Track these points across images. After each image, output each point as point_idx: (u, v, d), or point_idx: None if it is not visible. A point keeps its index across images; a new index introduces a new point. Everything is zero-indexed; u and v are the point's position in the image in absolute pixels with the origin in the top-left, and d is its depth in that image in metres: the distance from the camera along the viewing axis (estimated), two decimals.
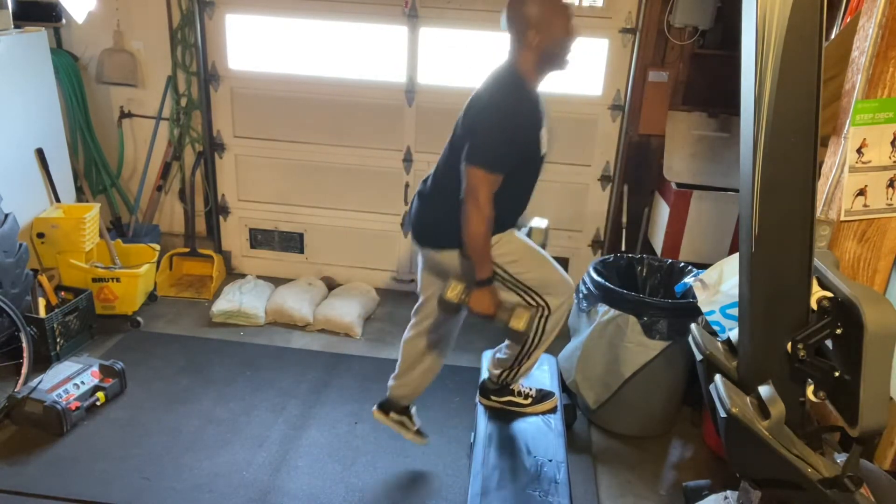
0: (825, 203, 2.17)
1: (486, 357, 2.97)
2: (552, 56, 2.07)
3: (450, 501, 2.53)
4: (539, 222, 2.54)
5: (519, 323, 2.15)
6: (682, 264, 3.06)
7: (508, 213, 2.23)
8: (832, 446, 1.77)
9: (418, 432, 2.66)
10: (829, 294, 1.56)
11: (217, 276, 4.05)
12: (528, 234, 2.46)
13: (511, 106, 2.06)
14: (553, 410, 2.64)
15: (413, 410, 2.67)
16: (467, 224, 2.05)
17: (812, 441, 1.66)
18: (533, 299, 2.30)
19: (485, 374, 2.67)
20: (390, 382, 2.61)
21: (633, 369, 2.75)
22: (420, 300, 2.52)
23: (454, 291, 2.16)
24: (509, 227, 2.27)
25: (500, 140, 2.03)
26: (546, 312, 2.31)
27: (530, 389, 2.63)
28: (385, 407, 2.63)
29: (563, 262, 4.09)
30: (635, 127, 3.73)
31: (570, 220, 3.99)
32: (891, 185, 2.12)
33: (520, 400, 2.59)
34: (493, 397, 2.60)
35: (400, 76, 3.77)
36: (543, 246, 2.46)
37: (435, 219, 2.24)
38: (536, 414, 2.61)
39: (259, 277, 4.09)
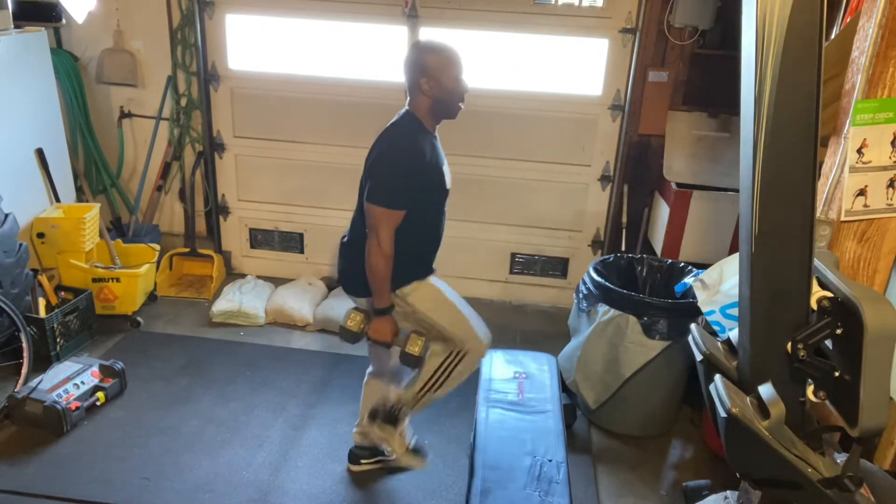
0: (825, 203, 2.17)
1: (486, 357, 2.96)
2: (443, 103, 2.20)
3: (450, 501, 2.53)
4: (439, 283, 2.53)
5: (414, 348, 2.25)
6: (682, 264, 3.06)
7: (422, 255, 2.32)
8: (832, 446, 1.77)
9: (414, 451, 2.64)
10: (829, 294, 1.56)
11: (217, 276, 4.05)
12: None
13: (406, 144, 2.18)
14: (421, 468, 2.60)
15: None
16: (368, 256, 2.15)
17: (812, 441, 1.66)
18: (450, 343, 2.33)
19: (351, 444, 2.65)
20: (354, 432, 2.62)
21: (633, 369, 2.75)
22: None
23: (354, 321, 2.27)
24: (426, 273, 2.35)
25: (397, 176, 2.14)
26: (460, 354, 2.34)
27: (411, 438, 2.62)
28: (354, 458, 2.64)
29: (564, 261, 4.09)
30: (635, 127, 3.73)
31: (570, 220, 3.99)
32: (891, 185, 2.12)
33: (387, 458, 2.60)
34: (362, 462, 2.61)
35: (400, 76, 3.75)
36: None
37: (352, 267, 2.29)
38: (403, 465, 2.58)
39: (259, 277, 4.09)
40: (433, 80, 2.15)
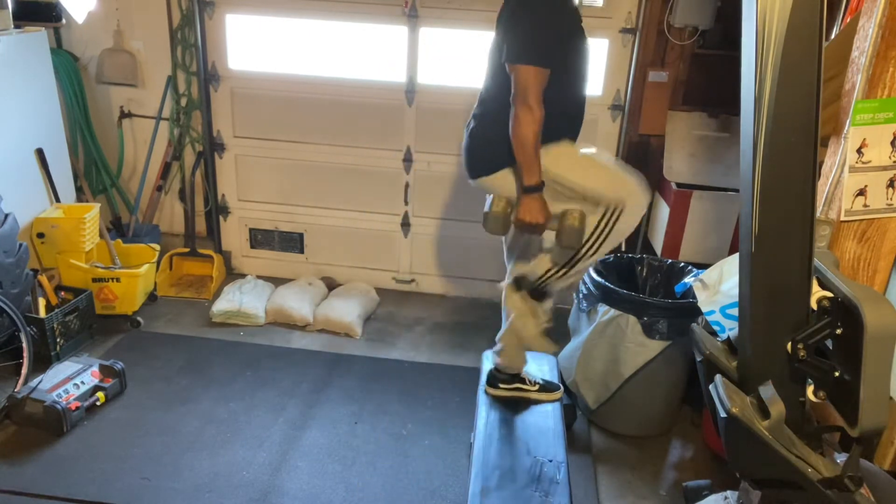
0: (825, 203, 2.17)
1: (487, 356, 2.96)
2: None
3: (450, 501, 2.54)
4: (587, 150, 2.30)
5: (574, 221, 2.02)
6: (682, 264, 3.06)
7: (561, 116, 2.11)
8: (832, 446, 1.77)
9: (543, 387, 2.58)
10: (829, 294, 1.56)
11: (217, 276, 4.05)
12: None
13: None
14: (560, 400, 2.62)
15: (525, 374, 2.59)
16: (516, 125, 1.96)
17: (812, 441, 1.66)
18: (602, 202, 2.16)
19: (488, 367, 2.65)
20: (495, 351, 2.54)
21: (633, 369, 2.75)
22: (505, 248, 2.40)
23: (499, 204, 2.06)
24: (567, 136, 2.15)
25: (540, 31, 1.96)
26: (616, 211, 2.14)
27: (538, 378, 2.62)
28: (492, 381, 2.58)
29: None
30: (635, 127, 3.73)
31: None
32: (891, 185, 2.12)
33: (527, 386, 2.55)
34: (501, 385, 2.55)
35: (400, 76, 3.77)
36: None
37: (483, 145, 2.13)
38: (542, 402, 2.59)
39: (259, 277, 4.09)
40: None
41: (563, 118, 2.13)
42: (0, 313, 2.86)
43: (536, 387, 2.60)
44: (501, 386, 2.60)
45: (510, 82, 2.02)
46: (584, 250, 2.21)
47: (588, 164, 2.17)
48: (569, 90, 2.11)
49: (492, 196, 2.13)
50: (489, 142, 2.13)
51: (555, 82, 2.00)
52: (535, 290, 2.25)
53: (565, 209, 2.08)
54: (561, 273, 2.31)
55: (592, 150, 2.25)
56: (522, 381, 2.59)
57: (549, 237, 2.21)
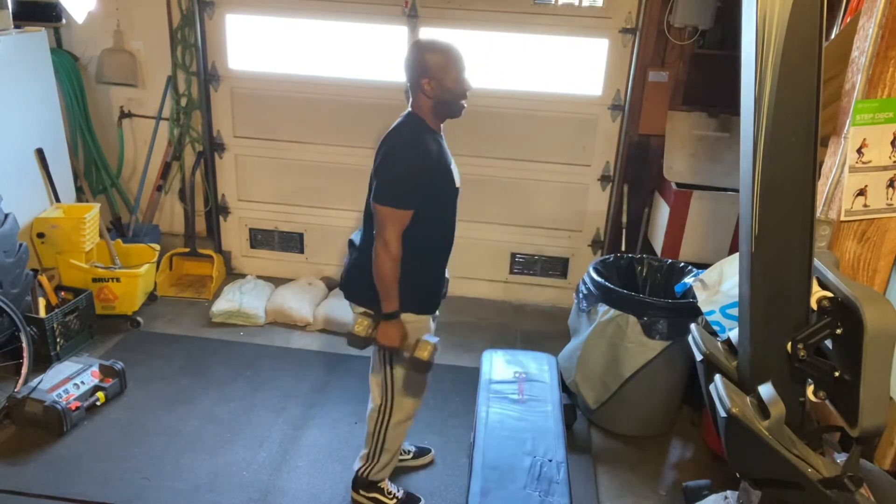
0: (825, 203, 2.17)
1: (486, 357, 2.97)
2: (446, 103, 2.17)
3: (450, 501, 2.54)
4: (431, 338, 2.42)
5: (423, 353, 2.19)
6: (682, 264, 3.06)
7: (437, 248, 2.27)
8: (832, 446, 1.77)
9: (416, 454, 2.69)
10: (829, 294, 1.56)
11: (217, 276, 4.05)
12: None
13: (410, 143, 2.15)
14: None
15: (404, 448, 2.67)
16: (376, 259, 2.11)
17: (812, 441, 1.66)
18: (387, 392, 2.33)
19: (356, 465, 2.59)
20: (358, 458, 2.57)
21: (633, 369, 2.75)
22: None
23: (361, 326, 2.22)
24: (432, 310, 2.30)
25: (403, 175, 2.11)
26: (387, 417, 2.36)
27: (398, 490, 2.57)
28: (355, 484, 2.58)
29: (564, 261, 4.09)
30: (635, 127, 3.73)
31: (570, 220, 3.99)
32: (891, 185, 2.12)
33: (384, 499, 2.56)
34: (361, 492, 2.56)
35: (400, 76, 3.75)
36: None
37: (361, 277, 2.24)
38: None
39: (259, 277, 4.09)
40: (434, 80, 2.12)
41: (435, 244, 2.26)
42: (0, 313, 2.86)
43: (394, 500, 2.52)
44: (361, 492, 2.55)
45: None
46: (375, 446, 2.43)
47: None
48: (435, 229, 2.24)
49: (355, 316, 2.27)
50: (360, 276, 2.24)
51: (420, 223, 2.13)
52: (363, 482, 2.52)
53: (420, 339, 2.22)
54: (372, 466, 2.48)
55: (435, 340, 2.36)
56: (381, 491, 2.54)
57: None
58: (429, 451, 2.74)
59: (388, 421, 2.38)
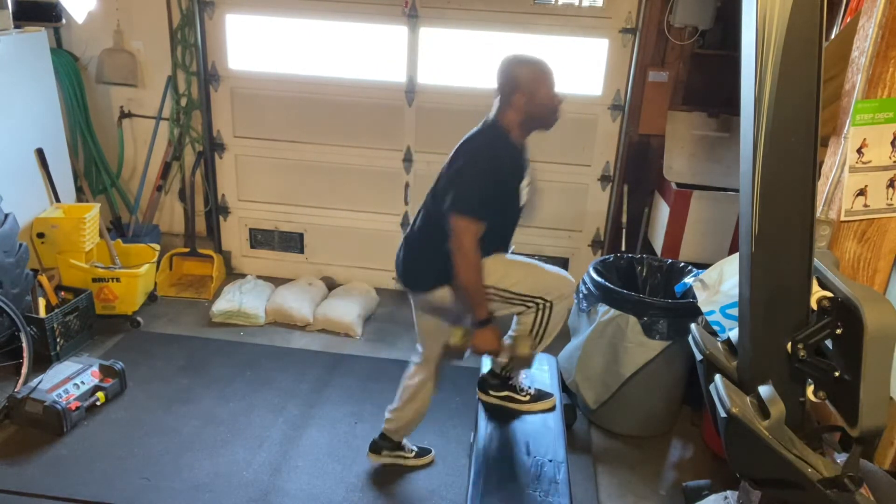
0: (825, 203, 2.17)
1: (486, 357, 2.96)
2: (535, 118, 2.19)
3: (450, 501, 2.54)
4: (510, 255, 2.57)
5: (525, 349, 2.23)
6: (682, 264, 3.06)
7: (491, 242, 2.27)
8: (832, 446, 1.77)
9: (418, 454, 2.69)
10: (829, 294, 1.56)
11: (217, 276, 4.05)
12: None
13: (493, 157, 2.16)
14: (550, 410, 2.63)
15: (405, 442, 2.68)
16: (458, 272, 2.12)
17: (812, 441, 1.66)
18: (533, 302, 2.32)
19: (484, 370, 2.66)
20: (387, 415, 2.60)
21: (633, 369, 2.75)
22: (420, 349, 2.52)
23: (456, 337, 2.24)
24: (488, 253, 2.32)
25: (482, 189, 2.11)
26: (548, 309, 2.34)
27: (529, 387, 2.63)
28: (376, 448, 2.65)
29: (563, 262, 4.09)
30: (635, 127, 3.73)
31: (570, 220, 3.99)
32: (891, 185, 2.12)
33: (518, 396, 2.59)
34: (491, 392, 2.60)
35: (400, 76, 3.77)
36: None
37: (422, 263, 2.30)
38: (533, 412, 2.60)
39: (259, 277, 4.09)
40: (527, 94, 2.13)
41: (491, 244, 2.27)
42: (0, 313, 2.86)
43: (528, 397, 2.60)
44: (492, 392, 2.62)
45: (444, 216, 2.16)
46: (535, 334, 2.41)
47: (519, 268, 2.34)
48: (497, 229, 2.26)
49: (450, 329, 2.27)
50: (425, 264, 2.28)
51: (491, 220, 2.16)
52: (385, 443, 2.61)
53: (515, 338, 2.28)
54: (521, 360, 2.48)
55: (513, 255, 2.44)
56: (513, 388, 2.60)
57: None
58: (429, 451, 2.75)
59: (550, 309, 2.34)
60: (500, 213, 2.22)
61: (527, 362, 2.29)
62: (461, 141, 2.25)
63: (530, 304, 2.33)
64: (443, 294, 2.28)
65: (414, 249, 2.34)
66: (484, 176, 2.13)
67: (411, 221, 2.41)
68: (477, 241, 2.12)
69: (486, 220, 2.12)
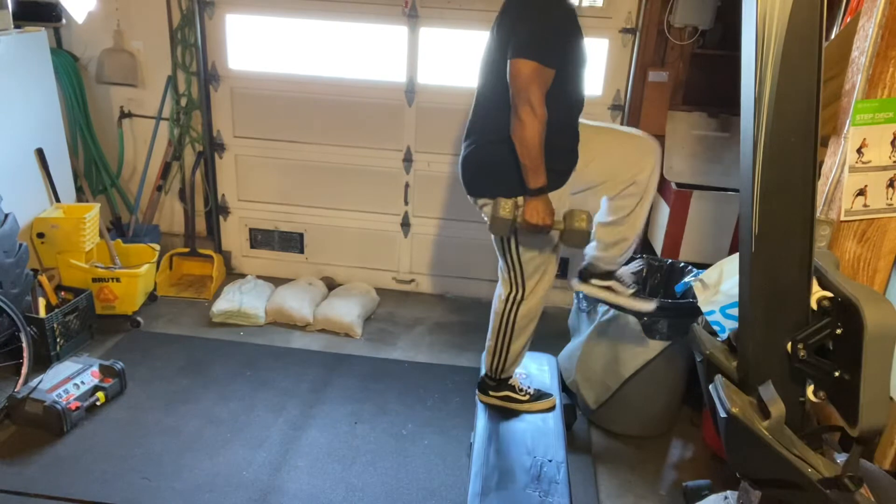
0: (825, 203, 2.17)
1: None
2: None
3: (450, 501, 2.53)
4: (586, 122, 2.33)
5: (582, 223, 2.04)
6: (682, 264, 3.06)
7: (567, 128, 2.10)
8: (832, 446, 1.77)
9: (535, 397, 2.58)
10: (829, 294, 1.56)
11: (217, 276, 4.05)
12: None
13: (553, 2, 2.01)
14: (549, 410, 2.63)
15: (516, 380, 2.56)
16: (519, 127, 1.94)
17: (812, 441, 1.66)
18: (517, 279, 2.26)
19: (483, 370, 2.66)
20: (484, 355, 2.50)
21: (633, 369, 2.75)
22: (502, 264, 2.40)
23: (505, 208, 2.04)
24: (567, 175, 2.14)
25: (547, 29, 1.94)
26: (520, 296, 2.28)
27: (528, 387, 2.62)
28: (584, 275, 2.47)
29: (563, 262, 4.09)
30: (635, 127, 3.72)
31: None
32: (891, 185, 2.12)
33: (517, 396, 2.58)
34: (491, 393, 2.59)
35: (400, 76, 3.77)
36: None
37: (489, 167, 2.11)
38: (533, 412, 2.60)
39: (259, 277, 4.09)
40: None
41: (566, 120, 2.12)
42: (0, 313, 2.86)
43: (527, 397, 2.59)
44: (491, 393, 2.61)
45: (509, 94, 1.98)
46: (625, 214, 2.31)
47: (599, 146, 2.18)
48: (569, 91, 2.09)
49: (496, 200, 2.11)
50: (496, 164, 2.10)
51: (557, 84, 1.99)
52: (596, 273, 2.39)
53: (571, 210, 2.08)
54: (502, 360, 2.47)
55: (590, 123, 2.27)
56: (512, 388, 2.58)
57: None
58: (550, 394, 2.62)
59: (516, 310, 2.28)
60: (572, 60, 2.03)
61: (582, 239, 2.07)
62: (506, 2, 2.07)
63: (512, 281, 2.26)
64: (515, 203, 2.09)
65: (475, 148, 2.11)
66: (546, 16, 1.96)
67: (470, 119, 2.19)
68: (545, 93, 1.92)
69: (555, 66, 1.94)
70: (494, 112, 2.04)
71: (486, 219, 2.16)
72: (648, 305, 2.48)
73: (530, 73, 1.91)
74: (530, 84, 1.91)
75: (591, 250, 2.48)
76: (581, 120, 2.24)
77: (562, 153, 2.12)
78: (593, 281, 2.45)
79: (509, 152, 2.03)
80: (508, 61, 1.95)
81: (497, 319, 2.37)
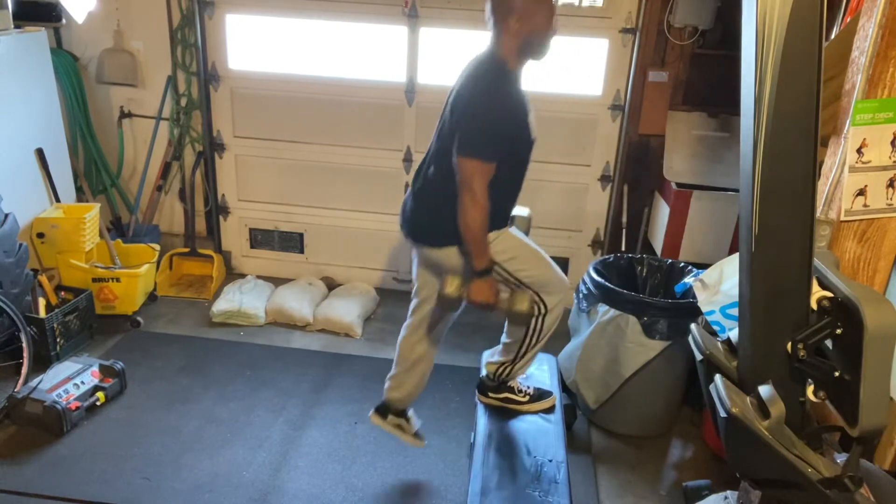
0: (825, 203, 2.17)
1: (486, 356, 2.96)
2: (532, 45, 2.10)
3: (450, 501, 2.53)
4: (521, 210, 2.53)
5: (523, 305, 2.15)
6: (682, 264, 3.06)
7: (502, 206, 2.22)
8: (832, 446, 1.77)
9: (416, 435, 2.66)
10: (829, 294, 1.56)
11: (217, 276, 4.05)
12: (512, 222, 2.43)
13: (498, 92, 2.07)
14: (550, 410, 2.63)
15: (410, 412, 2.67)
16: (464, 215, 2.05)
17: (812, 441, 1.66)
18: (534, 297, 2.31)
19: (483, 372, 2.67)
20: (387, 384, 2.60)
21: (633, 369, 2.75)
22: (416, 300, 2.51)
23: (453, 286, 2.16)
24: (504, 224, 2.27)
25: (491, 128, 2.03)
26: (543, 311, 2.33)
27: (528, 387, 2.63)
28: (382, 410, 2.62)
29: (563, 262, 4.09)
30: (635, 127, 3.73)
31: (570, 220, 3.99)
32: (891, 185, 2.12)
33: (517, 397, 2.59)
34: (490, 394, 2.60)
35: (400, 76, 3.77)
36: (527, 233, 2.44)
37: (430, 215, 2.22)
38: (533, 412, 2.60)
39: (259, 277, 4.09)
40: (523, 18, 2.03)
41: (503, 208, 2.23)
42: (0, 313, 2.86)
43: (527, 397, 2.60)
44: (491, 395, 2.62)
45: (453, 163, 2.09)
46: (524, 344, 2.41)
47: (531, 254, 2.30)
48: (508, 180, 2.19)
49: (444, 276, 2.21)
50: (434, 217, 2.19)
51: (497, 177, 2.08)
52: (391, 409, 2.56)
53: (515, 292, 2.20)
54: (511, 368, 2.52)
55: (526, 211, 2.43)
56: (512, 390, 2.59)
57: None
58: (550, 394, 2.66)
59: (545, 316, 2.32)
60: (512, 154, 2.12)
61: (524, 319, 2.20)
62: (461, 78, 2.15)
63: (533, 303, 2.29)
64: (450, 254, 2.20)
65: (421, 201, 2.21)
66: (491, 115, 2.04)
67: (418, 171, 2.29)
68: (487, 183, 2.02)
69: (497, 161, 2.03)
70: (442, 177, 2.14)
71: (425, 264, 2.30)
72: (547, 404, 2.63)
73: (472, 169, 2.02)
74: (472, 178, 2.02)
75: (486, 364, 2.62)
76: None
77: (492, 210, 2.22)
78: (490, 394, 2.60)
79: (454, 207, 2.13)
80: (455, 154, 2.06)
81: (524, 333, 2.40)
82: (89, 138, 4.02)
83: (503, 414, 2.63)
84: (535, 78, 3.69)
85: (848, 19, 2.21)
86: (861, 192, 2.11)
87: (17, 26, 3.42)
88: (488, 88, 2.08)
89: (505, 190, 2.20)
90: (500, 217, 2.22)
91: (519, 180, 2.27)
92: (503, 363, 2.53)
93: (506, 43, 2.09)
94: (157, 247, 3.87)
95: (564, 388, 2.96)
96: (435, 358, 2.59)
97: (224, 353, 3.41)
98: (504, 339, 2.48)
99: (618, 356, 2.76)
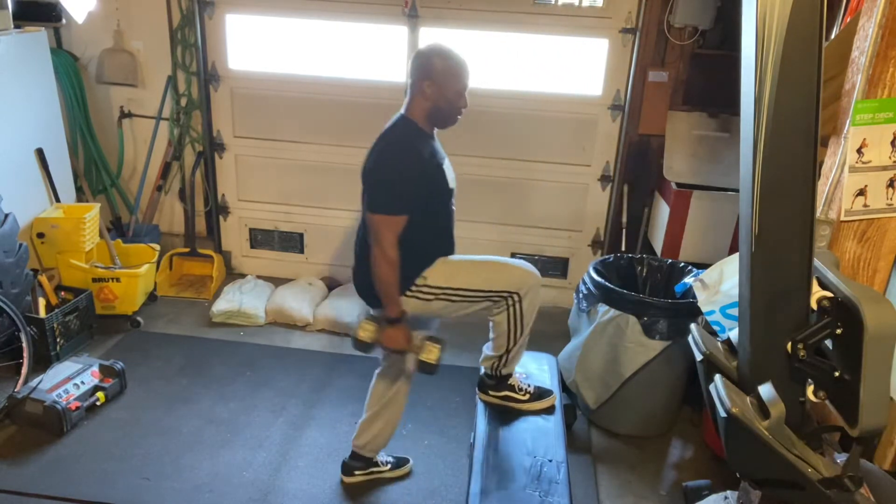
0: (825, 203, 2.17)
1: (484, 351, 2.96)
2: (441, 112, 2.17)
3: (450, 501, 2.53)
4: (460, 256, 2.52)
5: (431, 356, 2.23)
6: (682, 264, 3.06)
7: (427, 251, 2.27)
8: (832, 446, 1.77)
9: (396, 465, 2.64)
10: (829, 294, 1.56)
11: (217, 276, 4.05)
12: None
13: (401, 148, 2.15)
14: (550, 409, 2.63)
15: (378, 457, 2.61)
16: (375, 266, 2.13)
17: (812, 441, 1.66)
18: (499, 296, 2.32)
19: (482, 370, 2.67)
20: (354, 435, 2.56)
21: (633, 369, 2.75)
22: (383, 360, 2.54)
23: (366, 331, 2.25)
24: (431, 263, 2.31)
25: (395, 181, 2.11)
26: (516, 300, 2.33)
27: (528, 386, 2.63)
28: (347, 469, 2.58)
29: (563, 261, 4.09)
30: (635, 127, 3.73)
31: (570, 220, 3.99)
32: (891, 185, 2.12)
33: (517, 395, 2.60)
34: (491, 392, 2.61)
35: (400, 76, 3.77)
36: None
37: (370, 278, 2.24)
38: (533, 411, 2.61)
39: (259, 277, 4.09)
40: (437, 85, 2.12)
41: (432, 255, 2.28)
42: (0, 313, 2.86)
43: (527, 396, 2.60)
44: (491, 392, 2.62)
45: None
46: (510, 340, 2.42)
47: (469, 266, 2.33)
48: (431, 229, 2.25)
49: (360, 321, 2.29)
50: (366, 278, 2.26)
51: (417, 224, 2.14)
52: (357, 463, 2.57)
53: (425, 343, 2.25)
54: (505, 359, 2.53)
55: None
56: (512, 388, 2.59)
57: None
58: (407, 460, 2.69)
59: (520, 304, 2.35)
60: (427, 202, 2.18)
61: (431, 370, 2.26)
62: (374, 142, 2.24)
63: (496, 299, 2.32)
64: (404, 303, 2.26)
65: (365, 264, 2.25)
66: (395, 169, 2.12)
67: (357, 233, 2.37)
68: (396, 237, 2.10)
69: (406, 213, 2.10)
70: (364, 236, 2.23)
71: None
72: (547, 403, 2.64)
73: (379, 223, 2.10)
74: (379, 231, 2.10)
75: (482, 362, 2.63)
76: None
77: (427, 257, 2.28)
78: (491, 392, 2.62)
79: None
80: (364, 210, 2.15)
81: (507, 327, 2.41)
82: (89, 138, 4.02)
83: (503, 414, 2.63)
84: (535, 78, 3.72)
85: (848, 19, 2.21)
86: (861, 192, 2.11)
87: (17, 26, 3.42)
88: (394, 145, 2.17)
89: (431, 237, 2.25)
90: (428, 260, 2.27)
91: (445, 226, 2.33)
92: (498, 357, 2.52)
93: (418, 104, 2.17)
94: (157, 247, 3.87)
95: (564, 387, 2.96)
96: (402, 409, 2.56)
97: (224, 353, 3.41)
98: (491, 334, 2.48)
99: (618, 356, 2.76)
